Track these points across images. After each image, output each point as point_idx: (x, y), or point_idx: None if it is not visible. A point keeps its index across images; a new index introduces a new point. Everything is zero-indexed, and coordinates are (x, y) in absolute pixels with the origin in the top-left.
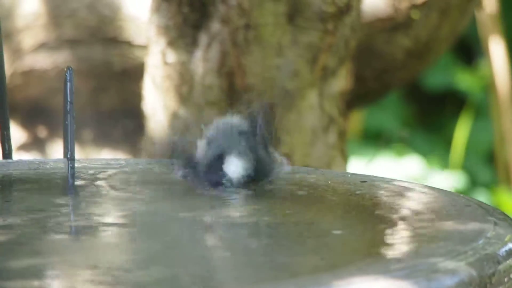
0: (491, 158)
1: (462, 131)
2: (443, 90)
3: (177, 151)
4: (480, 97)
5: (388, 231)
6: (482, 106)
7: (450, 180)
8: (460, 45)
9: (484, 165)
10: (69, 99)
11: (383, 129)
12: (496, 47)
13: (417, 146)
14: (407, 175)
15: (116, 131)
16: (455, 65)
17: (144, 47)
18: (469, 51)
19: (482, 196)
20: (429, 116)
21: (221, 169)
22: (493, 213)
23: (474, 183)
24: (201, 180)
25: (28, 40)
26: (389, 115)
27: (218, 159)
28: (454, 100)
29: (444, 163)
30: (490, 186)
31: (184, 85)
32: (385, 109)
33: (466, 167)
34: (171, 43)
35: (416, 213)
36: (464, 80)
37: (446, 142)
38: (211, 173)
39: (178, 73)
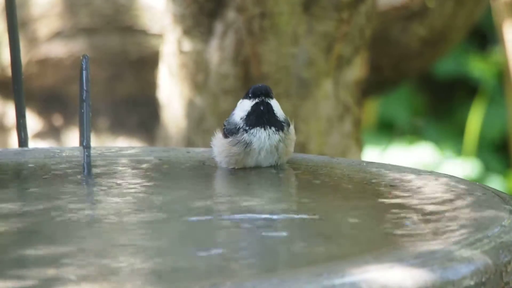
0: (504, 145)
1: (475, 119)
2: (455, 77)
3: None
4: (493, 84)
5: (403, 219)
6: (495, 93)
7: (463, 167)
8: (473, 33)
9: (497, 152)
10: (85, 88)
11: (396, 118)
12: (510, 34)
13: (430, 134)
14: (421, 164)
15: (131, 119)
16: (467, 53)
17: (159, 36)
18: (482, 38)
19: (495, 183)
20: (442, 104)
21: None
22: (509, 201)
23: (487, 170)
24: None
25: (43, 28)
26: (402, 105)
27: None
28: (467, 87)
29: (457, 151)
30: (503, 172)
31: (199, 74)
32: (398, 99)
33: (479, 155)
34: (187, 32)
35: (431, 201)
36: (477, 67)
37: (459, 130)
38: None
39: (194, 62)
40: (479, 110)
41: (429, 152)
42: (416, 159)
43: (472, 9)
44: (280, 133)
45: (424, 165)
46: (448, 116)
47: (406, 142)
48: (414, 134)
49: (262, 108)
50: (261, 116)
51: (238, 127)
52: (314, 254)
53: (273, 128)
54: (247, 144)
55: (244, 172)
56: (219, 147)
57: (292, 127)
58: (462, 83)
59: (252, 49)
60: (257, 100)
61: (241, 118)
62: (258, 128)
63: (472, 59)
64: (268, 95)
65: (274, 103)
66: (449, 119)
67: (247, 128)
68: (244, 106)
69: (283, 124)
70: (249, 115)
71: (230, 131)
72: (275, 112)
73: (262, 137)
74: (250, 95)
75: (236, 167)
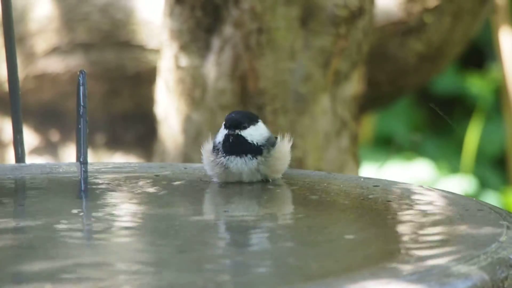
0: (501, 161)
1: (472, 135)
2: (453, 94)
3: None
4: (491, 101)
5: (400, 235)
6: (493, 110)
7: (460, 184)
8: (471, 50)
9: (494, 168)
10: (82, 103)
11: (394, 134)
12: (507, 50)
13: (428, 150)
14: (418, 180)
15: (128, 135)
16: (465, 69)
17: (157, 51)
18: (480, 55)
19: (492, 199)
20: (440, 120)
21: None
22: (506, 217)
23: (484, 186)
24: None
25: (41, 44)
26: (400, 120)
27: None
28: (465, 104)
29: (455, 167)
30: (500, 189)
31: (196, 89)
32: (395, 114)
33: (476, 171)
34: (184, 47)
35: (429, 217)
36: (475, 84)
37: (457, 147)
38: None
39: (191, 77)
40: (477, 127)
41: (426, 169)
42: (413, 175)
43: (470, 24)
44: (258, 157)
45: (422, 181)
46: (446, 133)
47: (403, 158)
48: (411, 150)
49: (231, 141)
50: (232, 147)
51: (217, 149)
52: (311, 269)
53: (249, 156)
54: (225, 168)
55: (240, 187)
56: (205, 159)
57: (284, 143)
58: (460, 100)
59: (249, 64)
60: (227, 131)
61: (219, 143)
62: (234, 156)
63: (470, 76)
64: (239, 126)
65: (248, 132)
66: (447, 136)
67: (224, 154)
68: (220, 134)
69: (261, 148)
70: (223, 142)
71: (214, 149)
72: (248, 141)
73: (238, 163)
74: (224, 124)
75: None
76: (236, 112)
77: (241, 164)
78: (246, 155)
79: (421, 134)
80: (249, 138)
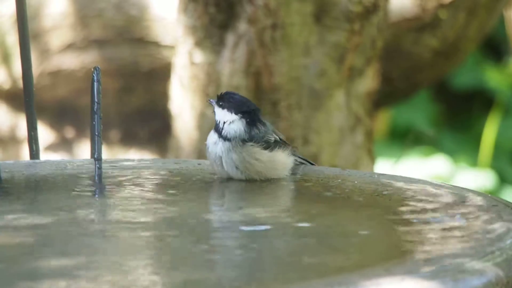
0: None
1: (490, 130)
2: (471, 88)
3: None
4: (508, 95)
5: (415, 231)
6: (510, 104)
7: (478, 179)
8: (488, 44)
9: None
10: (96, 100)
11: (410, 128)
12: None
13: (445, 145)
14: (435, 175)
15: (143, 131)
16: (483, 64)
17: (171, 47)
18: (497, 49)
19: (510, 194)
20: (458, 115)
21: None
22: None
23: (503, 181)
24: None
25: (55, 40)
26: (417, 115)
27: None
28: (483, 98)
29: (473, 162)
30: None
31: (211, 85)
32: (412, 109)
33: (494, 166)
34: (198, 43)
35: (443, 213)
36: (493, 78)
37: (475, 141)
38: None
39: (205, 73)
40: (495, 121)
41: (443, 163)
42: (430, 170)
43: (484, 20)
44: (227, 142)
45: (439, 176)
46: (464, 127)
47: (420, 153)
48: (428, 144)
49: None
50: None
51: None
52: (325, 266)
53: (220, 138)
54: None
55: (254, 183)
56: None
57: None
58: (479, 94)
59: (264, 60)
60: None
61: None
62: (213, 133)
63: (488, 70)
64: (219, 99)
65: (218, 110)
66: (465, 130)
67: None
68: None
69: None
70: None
71: None
72: (216, 118)
73: (209, 142)
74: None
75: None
76: (245, 99)
77: (211, 142)
78: (220, 135)
79: (439, 128)
80: (216, 117)
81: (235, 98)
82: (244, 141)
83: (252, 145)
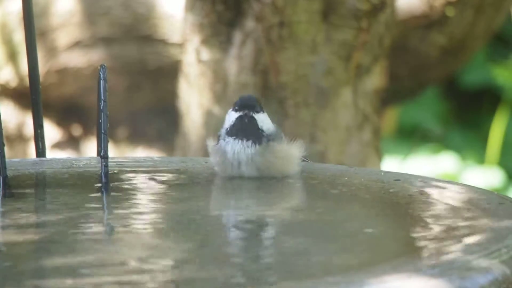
0: None
1: (498, 127)
2: (479, 86)
3: None
4: None
5: (421, 229)
6: None
7: (486, 176)
8: (496, 41)
9: None
10: (102, 97)
11: (418, 126)
12: None
13: (453, 143)
14: (443, 172)
15: (150, 129)
16: (491, 61)
17: (178, 45)
18: (505, 47)
19: None
20: (466, 112)
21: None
22: None
23: (510, 179)
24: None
25: (62, 38)
26: (425, 112)
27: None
28: (491, 96)
29: (480, 160)
30: None
31: (218, 83)
32: (420, 106)
33: (502, 163)
34: (206, 41)
35: (450, 211)
36: (501, 76)
37: (483, 139)
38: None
39: (213, 71)
40: (503, 118)
41: (451, 160)
42: (438, 168)
43: (492, 17)
44: (256, 146)
45: (446, 174)
46: (472, 125)
47: (428, 150)
48: (436, 141)
49: (244, 123)
50: (241, 129)
51: (220, 137)
52: (331, 264)
53: (249, 142)
54: (222, 153)
55: (261, 182)
56: (210, 153)
57: (294, 144)
58: (487, 92)
59: (271, 58)
60: (241, 113)
61: (225, 129)
62: (234, 139)
63: (496, 68)
64: (254, 108)
65: (260, 116)
66: (473, 128)
67: (225, 138)
68: (230, 118)
69: (262, 138)
70: (232, 127)
71: (218, 138)
72: (259, 126)
73: (236, 148)
74: (236, 108)
75: (225, 175)
76: (246, 96)
77: (238, 149)
78: (247, 141)
79: (447, 126)
80: (259, 124)
81: (252, 98)
82: (268, 140)
83: (273, 143)
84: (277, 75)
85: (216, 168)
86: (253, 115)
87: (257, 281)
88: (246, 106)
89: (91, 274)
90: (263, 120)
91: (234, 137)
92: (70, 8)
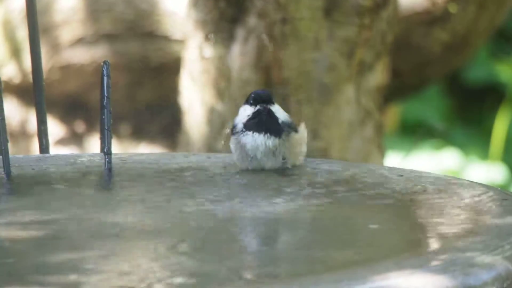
0: None
1: (501, 123)
2: (483, 82)
3: None
4: None
5: (425, 225)
6: None
7: (489, 173)
8: (499, 38)
9: None
10: (106, 94)
11: (421, 122)
12: None
13: (456, 139)
14: (446, 168)
15: (153, 126)
16: (494, 58)
17: (181, 42)
18: (508, 43)
19: None
20: (469, 108)
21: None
22: None
23: None
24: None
25: (66, 34)
26: (428, 108)
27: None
28: (494, 92)
29: (484, 156)
30: None
31: (221, 80)
32: (423, 103)
33: (505, 159)
34: (208, 38)
35: (453, 207)
36: (504, 72)
37: (486, 135)
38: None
39: (215, 68)
40: (506, 114)
41: (454, 157)
42: (441, 164)
43: (495, 13)
44: (277, 139)
45: (449, 170)
46: (475, 121)
47: (431, 147)
48: (440, 138)
49: (264, 115)
50: (261, 122)
51: (237, 131)
52: (334, 260)
53: (268, 134)
54: (242, 147)
55: (264, 178)
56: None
57: (302, 128)
58: (490, 89)
59: (274, 54)
60: (258, 107)
61: (242, 123)
62: (254, 132)
63: (499, 64)
64: (270, 101)
65: (275, 108)
66: (476, 124)
67: (244, 132)
68: (246, 112)
69: (282, 129)
70: (249, 120)
71: (233, 131)
72: (277, 118)
73: (257, 141)
74: (251, 102)
75: (245, 168)
76: (260, 90)
77: (259, 142)
78: (267, 133)
79: (450, 122)
80: (278, 115)
81: (267, 92)
82: (287, 130)
83: (293, 133)
84: (279, 72)
85: (236, 161)
86: (271, 107)
87: (259, 276)
88: (263, 99)
89: (95, 270)
90: (279, 111)
91: (253, 130)
92: (73, 4)
